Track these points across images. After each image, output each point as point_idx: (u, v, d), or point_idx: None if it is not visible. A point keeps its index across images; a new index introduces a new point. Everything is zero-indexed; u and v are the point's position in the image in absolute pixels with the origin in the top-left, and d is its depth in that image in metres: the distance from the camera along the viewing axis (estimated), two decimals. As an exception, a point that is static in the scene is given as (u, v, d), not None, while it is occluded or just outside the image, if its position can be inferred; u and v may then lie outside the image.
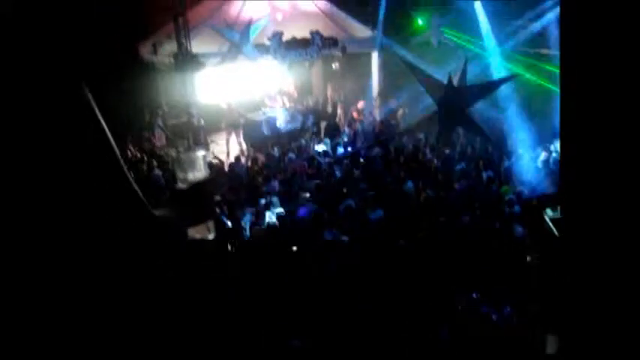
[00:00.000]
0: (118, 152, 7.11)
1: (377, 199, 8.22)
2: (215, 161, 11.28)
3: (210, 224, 8.26)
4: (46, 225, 5.73)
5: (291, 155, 10.79)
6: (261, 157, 11.42)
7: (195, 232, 8.04)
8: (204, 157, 12.16)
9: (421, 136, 11.94)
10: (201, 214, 8.38)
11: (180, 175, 11.36)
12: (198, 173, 11.60)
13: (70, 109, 5.92)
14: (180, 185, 10.70)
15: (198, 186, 10.02)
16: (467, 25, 13.79)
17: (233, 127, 13.90)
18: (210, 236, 8.14)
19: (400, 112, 14.80)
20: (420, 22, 15.01)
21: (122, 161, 7.50)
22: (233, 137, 13.97)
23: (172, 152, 12.83)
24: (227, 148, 13.63)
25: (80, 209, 6.14)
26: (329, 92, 16.14)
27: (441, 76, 9.47)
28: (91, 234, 6.41)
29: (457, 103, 8.97)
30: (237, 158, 11.17)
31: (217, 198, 8.66)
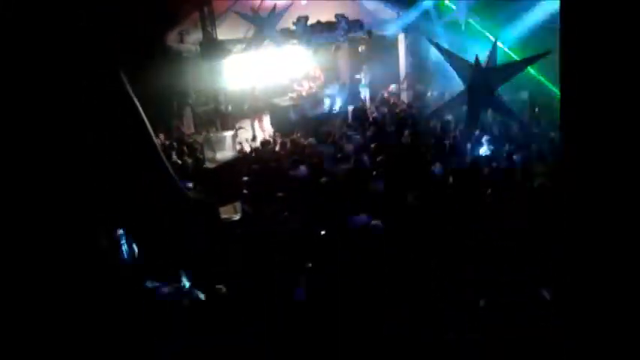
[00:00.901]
0: (154, 138, 7.25)
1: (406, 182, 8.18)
2: (246, 145, 11.37)
3: (237, 205, 8.34)
4: (81, 207, 5.88)
5: (311, 140, 10.80)
6: (289, 142, 11.45)
7: (222, 213, 8.13)
8: (233, 137, 12.26)
9: (449, 118, 11.78)
10: (229, 194, 8.49)
11: (208, 154, 11.49)
12: (227, 153, 11.70)
13: (108, 96, 6.05)
14: (209, 165, 10.81)
15: (226, 167, 10.13)
16: (496, 5, 13.49)
17: (256, 112, 13.99)
18: (237, 217, 8.22)
19: (428, 94, 14.64)
20: (447, 2, 14.73)
21: (159, 147, 7.66)
22: (261, 122, 14.09)
23: (201, 137, 12.99)
24: (253, 133, 13.74)
25: (118, 192, 6.30)
26: (362, 74, 16.03)
27: (469, 57, 9.31)
28: (130, 217, 6.57)
29: (486, 84, 8.82)
30: (265, 143, 11.26)
31: (245, 179, 8.71)
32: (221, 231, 7.68)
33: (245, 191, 8.56)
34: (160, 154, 7.33)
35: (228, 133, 12.44)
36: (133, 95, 6.44)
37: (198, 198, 8.21)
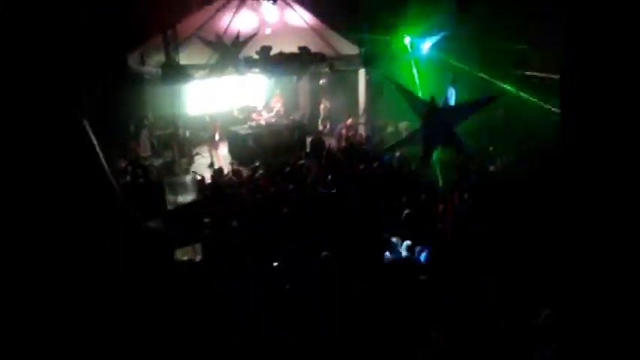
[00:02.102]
0: (106, 166, 7.07)
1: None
2: (198, 177, 11.20)
3: (198, 246, 8.16)
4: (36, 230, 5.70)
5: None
6: (245, 171, 11.42)
7: (182, 254, 7.93)
8: (194, 178, 12.11)
9: (404, 153, 12.00)
10: (189, 236, 8.31)
11: (170, 198, 11.26)
12: (188, 197, 11.51)
13: (62, 125, 5.93)
14: (170, 207, 10.59)
15: (186, 208, 9.95)
16: (452, 45, 13.98)
17: (212, 140, 13.95)
18: (198, 258, 8.04)
19: (389, 129, 14.96)
20: (405, 42, 15.11)
21: (110, 174, 7.47)
22: (218, 150, 14.01)
23: (157, 162, 12.75)
24: (211, 160, 13.64)
25: (68, 218, 6.12)
26: (322, 106, 16.25)
27: (427, 94, 9.57)
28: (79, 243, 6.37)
29: (441, 121, 9.05)
30: (219, 171, 11.23)
31: (206, 220, 8.56)
32: (176, 267, 7.53)
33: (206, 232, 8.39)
34: (112, 181, 7.18)
35: (189, 177, 12.31)
36: (85, 121, 6.34)
37: (151, 227, 8.01)
